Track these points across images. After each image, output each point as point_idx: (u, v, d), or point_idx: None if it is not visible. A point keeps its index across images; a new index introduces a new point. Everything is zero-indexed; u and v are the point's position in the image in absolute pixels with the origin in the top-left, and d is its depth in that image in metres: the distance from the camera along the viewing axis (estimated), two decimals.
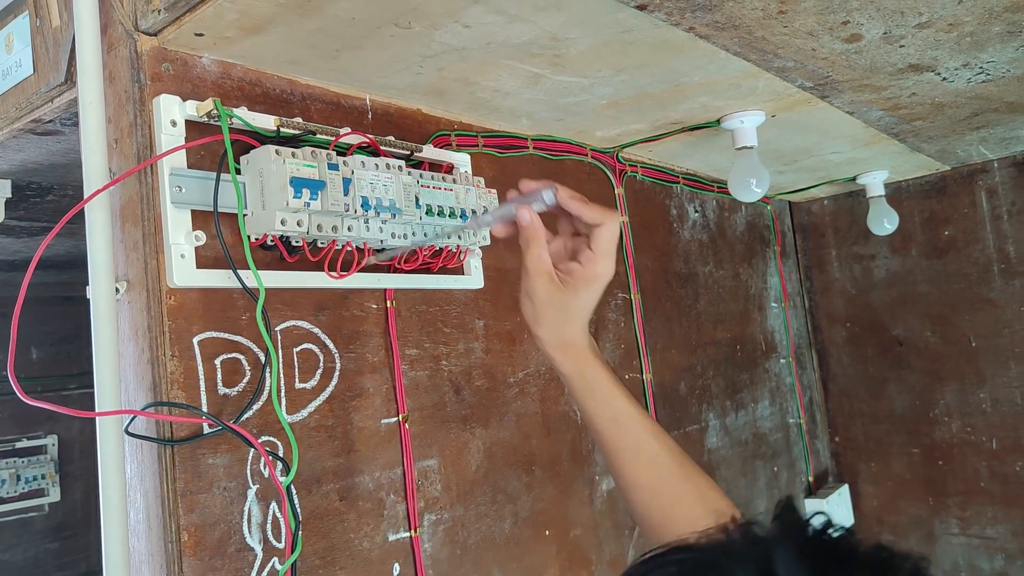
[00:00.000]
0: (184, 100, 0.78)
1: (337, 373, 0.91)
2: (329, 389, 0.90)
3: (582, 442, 1.27)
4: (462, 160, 1.08)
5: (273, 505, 0.81)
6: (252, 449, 0.79)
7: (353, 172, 0.85)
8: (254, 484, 0.80)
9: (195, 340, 0.77)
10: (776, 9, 0.85)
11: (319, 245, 0.86)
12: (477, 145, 1.15)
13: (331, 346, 0.91)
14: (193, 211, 0.78)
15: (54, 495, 2.61)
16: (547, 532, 1.17)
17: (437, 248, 0.98)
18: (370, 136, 0.92)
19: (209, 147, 0.81)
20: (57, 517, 2.63)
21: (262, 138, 0.83)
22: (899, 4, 0.88)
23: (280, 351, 0.85)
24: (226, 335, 0.80)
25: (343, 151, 0.89)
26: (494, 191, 1.03)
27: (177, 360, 0.76)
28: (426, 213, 0.94)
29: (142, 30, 0.78)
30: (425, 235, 0.94)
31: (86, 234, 0.75)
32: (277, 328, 0.85)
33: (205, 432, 0.76)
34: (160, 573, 0.74)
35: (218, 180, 0.77)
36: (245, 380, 0.81)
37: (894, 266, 2.07)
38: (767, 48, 0.98)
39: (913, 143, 1.59)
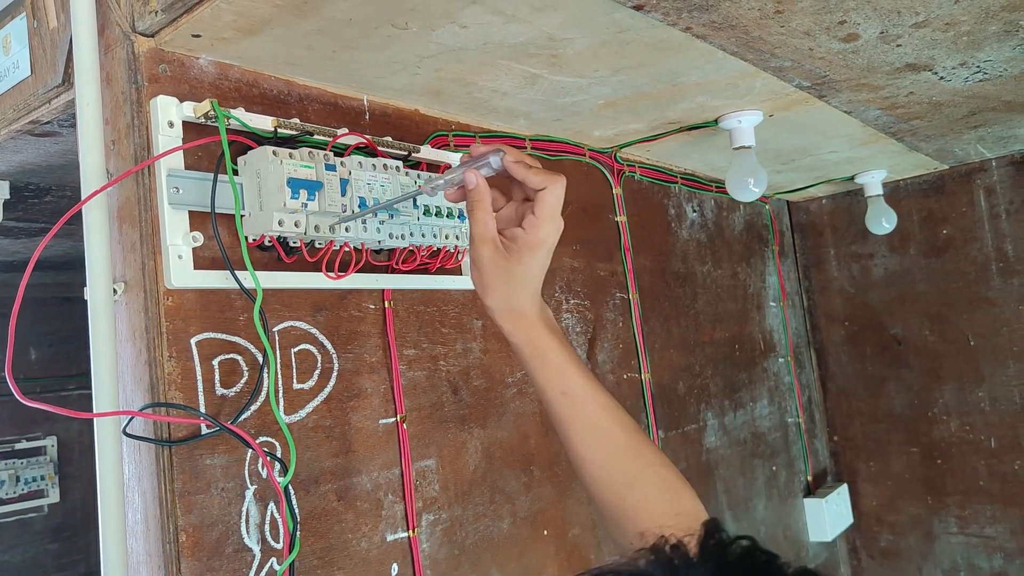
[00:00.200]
0: (181, 101, 0.78)
1: (335, 373, 0.91)
2: (327, 390, 0.90)
3: None
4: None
5: (271, 506, 0.81)
6: (250, 450, 0.79)
7: (350, 173, 0.85)
8: (252, 485, 0.80)
9: (193, 341, 0.77)
10: (773, 9, 0.85)
11: (317, 246, 0.86)
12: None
13: (329, 346, 0.91)
14: (190, 212, 0.78)
15: (53, 496, 2.61)
16: (545, 532, 1.17)
17: (435, 248, 0.98)
18: (367, 137, 0.92)
19: (206, 148, 0.81)
20: (56, 518, 2.62)
21: (259, 139, 0.83)
22: (896, 4, 0.88)
23: (278, 352, 0.85)
24: (224, 336, 0.80)
25: (340, 152, 0.89)
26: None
27: (175, 361, 0.76)
28: (423, 213, 0.94)
29: (139, 31, 0.78)
30: (418, 234, 0.94)
31: (84, 235, 0.75)
32: (275, 329, 0.85)
33: (203, 433, 0.76)
34: (158, 574, 0.74)
35: (215, 181, 0.78)
36: (243, 381, 0.81)
37: (892, 265, 2.07)
38: (764, 48, 0.98)
39: (911, 142, 1.59)
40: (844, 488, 2.09)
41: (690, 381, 1.62)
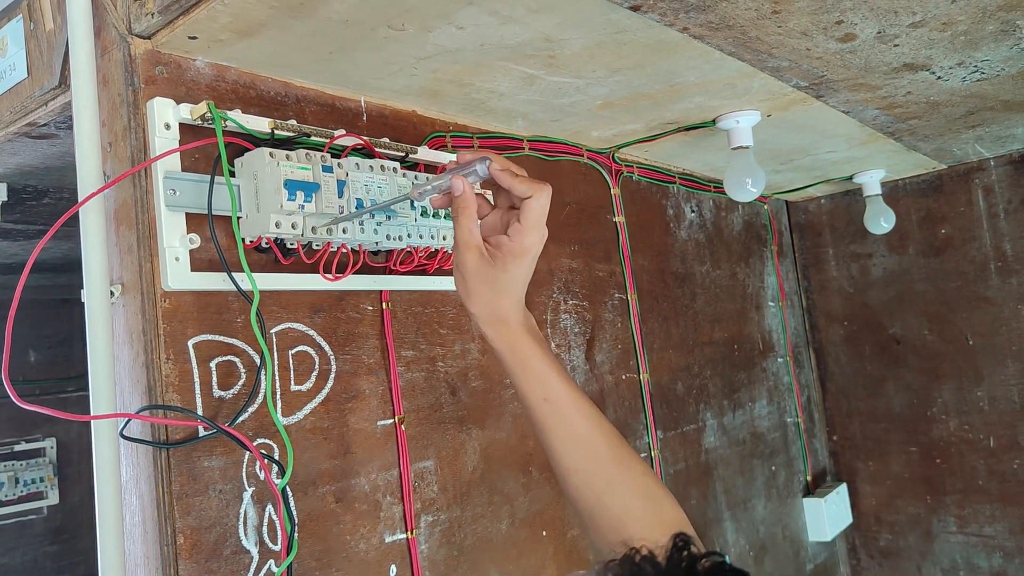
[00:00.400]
0: (178, 103, 0.78)
1: (333, 375, 0.91)
2: (325, 391, 0.90)
3: None
4: None
5: (269, 507, 0.81)
6: (247, 452, 0.79)
7: (348, 174, 0.85)
8: (250, 487, 0.80)
9: (190, 343, 0.77)
10: (770, 9, 0.85)
11: (314, 247, 0.86)
12: (473, 147, 1.15)
13: (327, 348, 0.91)
14: (187, 214, 0.78)
15: (53, 498, 2.60)
16: (544, 533, 1.17)
17: (433, 249, 0.98)
18: (365, 138, 0.92)
19: (203, 150, 0.81)
20: (56, 520, 2.62)
21: (256, 141, 0.83)
22: (892, 3, 0.88)
23: (275, 353, 0.85)
24: (221, 338, 0.80)
25: (338, 153, 0.89)
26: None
27: (172, 363, 0.76)
28: (421, 215, 0.94)
29: (136, 33, 0.78)
30: (416, 235, 0.94)
31: (80, 237, 0.75)
32: (272, 330, 0.85)
33: (200, 435, 0.76)
34: None
35: (212, 183, 0.77)
36: (240, 383, 0.81)
37: (891, 265, 2.07)
38: (761, 48, 0.98)
39: (909, 142, 1.59)
40: (843, 488, 2.10)
41: (689, 381, 1.62)
